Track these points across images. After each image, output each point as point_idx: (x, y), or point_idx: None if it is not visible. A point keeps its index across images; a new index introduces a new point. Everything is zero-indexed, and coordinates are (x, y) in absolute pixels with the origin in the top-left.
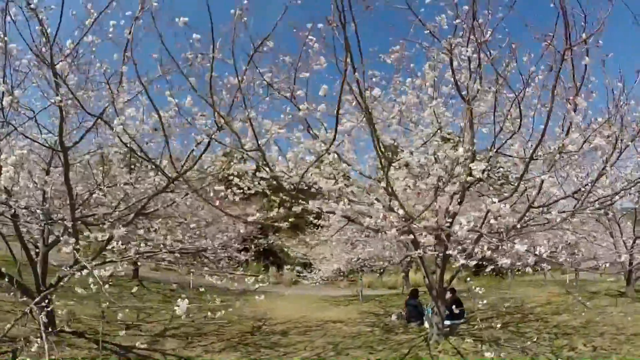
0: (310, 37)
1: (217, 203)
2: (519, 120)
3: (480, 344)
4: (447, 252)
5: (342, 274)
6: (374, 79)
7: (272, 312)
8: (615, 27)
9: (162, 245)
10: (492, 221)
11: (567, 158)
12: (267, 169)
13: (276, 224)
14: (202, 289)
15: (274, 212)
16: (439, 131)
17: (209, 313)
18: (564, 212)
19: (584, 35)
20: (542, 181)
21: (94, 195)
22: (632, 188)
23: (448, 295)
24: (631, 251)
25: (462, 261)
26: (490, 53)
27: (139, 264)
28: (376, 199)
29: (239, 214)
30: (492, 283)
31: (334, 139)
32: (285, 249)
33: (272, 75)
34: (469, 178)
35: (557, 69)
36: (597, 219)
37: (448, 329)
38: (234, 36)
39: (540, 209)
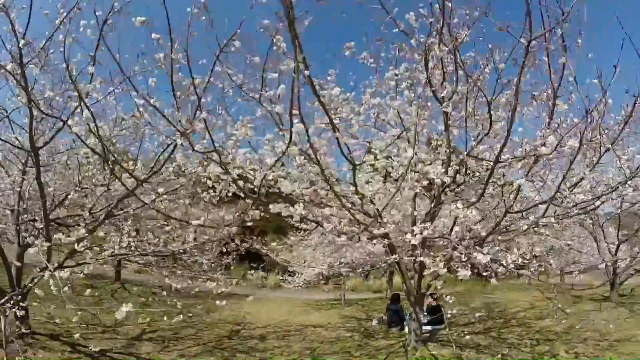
0: (277, 37)
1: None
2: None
3: (460, 350)
4: (420, 259)
5: (323, 277)
6: (329, 77)
7: (253, 315)
8: (614, 30)
9: (133, 248)
10: (456, 228)
11: (543, 161)
12: (224, 171)
13: (228, 227)
14: (163, 292)
15: (229, 216)
16: (405, 133)
17: (165, 317)
18: (543, 217)
19: (559, 32)
20: (520, 186)
21: (69, 197)
22: (614, 192)
23: (429, 300)
24: (615, 256)
25: (433, 268)
26: (462, 61)
27: (104, 266)
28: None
29: (184, 218)
30: (476, 287)
31: (290, 141)
32: (270, 254)
33: (243, 77)
34: (424, 182)
35: (521, 62)
36: (581, 223)
37: (428, 334)
38: (189, 35)
39: (519, 214)
